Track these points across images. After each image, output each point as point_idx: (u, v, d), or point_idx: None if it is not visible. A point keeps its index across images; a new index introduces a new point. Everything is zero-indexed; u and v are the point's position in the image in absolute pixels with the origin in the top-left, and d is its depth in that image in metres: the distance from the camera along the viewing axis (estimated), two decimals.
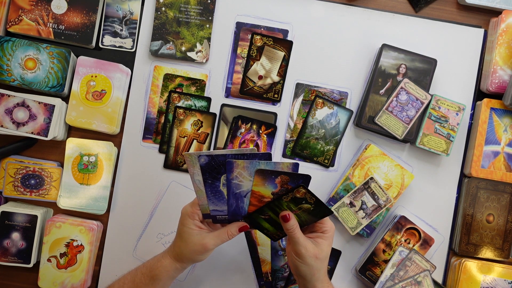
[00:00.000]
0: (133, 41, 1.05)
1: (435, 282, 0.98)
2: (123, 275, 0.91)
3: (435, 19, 1.07)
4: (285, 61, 1.05)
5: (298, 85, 1.06)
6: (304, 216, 0.83)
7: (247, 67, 1.05)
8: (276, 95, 1.05)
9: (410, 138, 1.02)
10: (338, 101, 1.06)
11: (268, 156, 0.77)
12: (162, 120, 1.05)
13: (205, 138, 1.04)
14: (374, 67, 1.03)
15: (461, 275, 1.01)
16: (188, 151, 1.04)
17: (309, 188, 0.79)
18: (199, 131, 1.04)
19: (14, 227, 0.99)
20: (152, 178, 1.05)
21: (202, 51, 1.05)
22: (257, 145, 1.04)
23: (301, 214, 0.83)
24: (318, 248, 0.83)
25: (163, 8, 1.04)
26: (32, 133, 0.99)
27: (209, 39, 1.05)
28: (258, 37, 1.04)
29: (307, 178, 0.78)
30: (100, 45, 1.05)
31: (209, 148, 1.04)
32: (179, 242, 0.86)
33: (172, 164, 1.04)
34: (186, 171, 1.04)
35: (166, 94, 1.05)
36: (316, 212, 0.82)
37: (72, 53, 1.01)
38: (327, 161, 1.05)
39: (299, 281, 0.87)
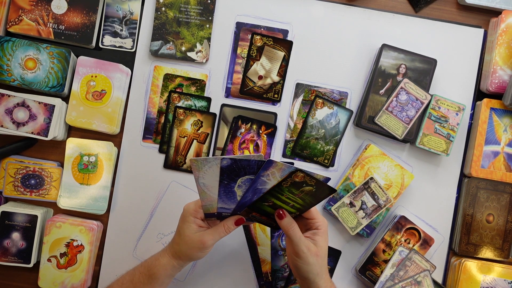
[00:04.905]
0: (133, 41, 1.05)
1: (435, 282, 0.98)
2: (121, 275, 0.91)
3: (435, 19, 1.07)
4: (285, 61, 1.05)
5: (298, 85, 1.06)
6: (308, 199, 0.83)
7: (247, 67, 1.05)
8: (276, 95, 1.05)
9: (410, 138, 1.02)
10: (338, 101, 1.06)
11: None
12: (162, 120, 1.05)
13: (205, 138, 1.04)
14: (374, 67, 1.03)
15: (461, 275, 1.01)
16: (188, 151, 1.04)
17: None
18: (199, 131, 1.04)
19: (14, 227, 0.99)
20: (152, 178, 1.05)
21: (202, 51, 1.05)
22: (257, 145, 1.04)
23: (304, 197, 0.83)
24: (317, 245, 0.83)
25: (163, 8, 1.04)
26: (32, 133, 0.99)
27: (209, 39, 1.05)
28: (258, 37, 1.04)
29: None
30: (100, 45, 1.05)
31: (209, 148, 1.04)
32: (178, 239, 0.86)
33: (172, 164, 1.04)
34: (186, 171, 1.04)
35: (166, 94, 1.05)
36: (319, 192, 0.82)
37: (72, 53, 1.01)
38: (327, 161, 1.05)
39: (302, 283, 0.86)
